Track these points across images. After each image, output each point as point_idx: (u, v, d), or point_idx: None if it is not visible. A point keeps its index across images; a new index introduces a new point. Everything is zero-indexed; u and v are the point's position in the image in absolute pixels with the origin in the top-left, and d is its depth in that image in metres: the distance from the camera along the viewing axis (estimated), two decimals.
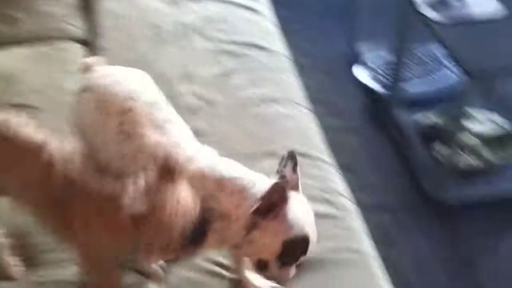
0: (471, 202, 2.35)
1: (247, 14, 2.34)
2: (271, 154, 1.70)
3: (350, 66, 2.97)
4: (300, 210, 1.25)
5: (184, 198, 1.17)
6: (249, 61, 2.11)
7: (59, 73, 2.02)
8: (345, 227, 1.60)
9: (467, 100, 2.09)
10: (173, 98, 1.94)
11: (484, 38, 2.16)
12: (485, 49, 2.11)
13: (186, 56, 2.10)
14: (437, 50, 2.85)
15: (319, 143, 1.85)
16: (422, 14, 2.24)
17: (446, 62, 2.80)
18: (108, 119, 1.38)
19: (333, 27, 3.18)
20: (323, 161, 1.78)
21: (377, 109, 2.71)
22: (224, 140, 1.80)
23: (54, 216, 1.28)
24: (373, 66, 2.84)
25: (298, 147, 1.77)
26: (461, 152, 2.34)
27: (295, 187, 1.29)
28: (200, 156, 1.34)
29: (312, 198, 1.40)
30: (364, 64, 2.87)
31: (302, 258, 1.27)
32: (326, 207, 1.63)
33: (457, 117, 2.16)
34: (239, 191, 1.26)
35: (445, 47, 2.16)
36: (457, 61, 2.10)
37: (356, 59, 2.95)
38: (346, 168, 2.35)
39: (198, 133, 1.84)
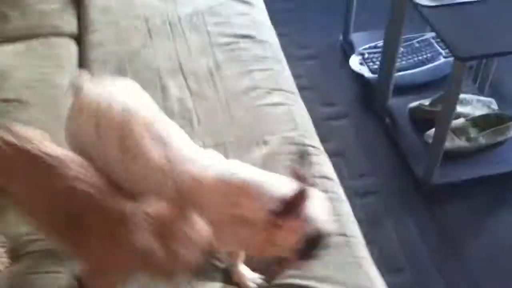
0: (460, 183, 2.36)
1: (240, 6, 2.33)
2: (264, 143, 1.72)
3: (343, 55, 2.97)
4: (318, 206, 1.26)
5: (196, 229, 1.18)
6: (241, 52, 2.10)
7: (51, 69, 2.02)
8: (332, 211, 1.60)
9: (458, 83, 2.07)
10: (165, 90, 1.96)
11: (474, 20, 2.14)
12: (475, 31, 2.10)
13: (178, 49, 2.09)
14: (433, 39, 2.84)
15: (311, 130, 1.85)
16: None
17: (441, 50, 2.79)
18: (108, 136, 1.37)
19: (326, 16, 3.18)
20: (314, 147, 1.78)
21: (369, 96, 2.72)
22: (217, 130, 1.80)
23: (67, 228, 1.27)
24: (365, 54, 2.83)
25: (289, 135, 1.80)
26: (451, 134, 2.34)
27: (311, 183, 1.28)
28: (211, 162, 1.34)
29: None
30: (356, 52, 2.86)
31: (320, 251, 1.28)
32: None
33: (448, 100, 2.15)
34: (260, 194, 1.26)
35: (435, 30, 2.15)
36: (446, 43, 2.10)
37: (349, 48, 2.95)
38: (338, 154, 2.38)
39: (191, 125, 1.86)
